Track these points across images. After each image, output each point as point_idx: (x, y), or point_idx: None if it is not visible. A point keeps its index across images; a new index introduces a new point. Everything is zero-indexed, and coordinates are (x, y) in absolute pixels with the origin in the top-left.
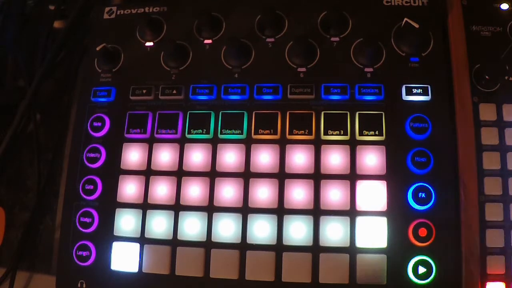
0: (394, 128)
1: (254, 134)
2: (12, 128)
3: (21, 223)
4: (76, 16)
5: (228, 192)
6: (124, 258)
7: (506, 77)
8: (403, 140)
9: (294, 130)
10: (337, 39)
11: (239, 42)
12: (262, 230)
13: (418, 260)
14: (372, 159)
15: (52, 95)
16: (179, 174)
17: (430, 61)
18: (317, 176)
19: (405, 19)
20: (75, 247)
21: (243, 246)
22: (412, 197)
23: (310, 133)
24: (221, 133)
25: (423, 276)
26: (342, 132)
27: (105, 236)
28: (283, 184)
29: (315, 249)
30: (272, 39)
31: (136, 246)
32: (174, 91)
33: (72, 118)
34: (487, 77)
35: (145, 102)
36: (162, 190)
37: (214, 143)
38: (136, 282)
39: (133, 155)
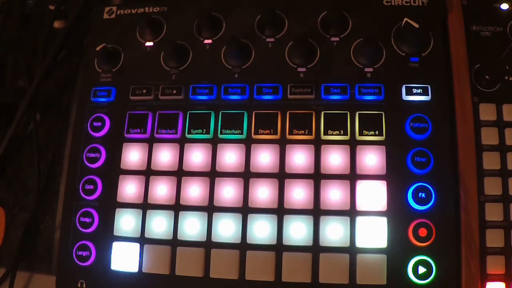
0: (394, 128)
1: (254, 134)
2: (12, 128)
3: (21, 223)
4: (76, 16)
5: (228, 192)
6: (124, 258)
7: (506, 77)
8: (403, 140)
9: (294, 130)
10: (337, 39)
11: (239, 42)
12: (262, 230)
13: (418, 260)
14: (372, 159)
15: (52, 95)
16: (179, 174)
17: (430, 61)
18: (317, 176)
19: (405, 19)
20: (75, 247)
21: (243, 246)
22: (412, 197)
23: (310, 133)
24: (221, 133)
25: (423, 276)
26: (342, 132)
27: (105, 236)
28: (283, 184)
29: (315, 249)
30: (272, 39)
31: (136, 246)
32: (174, 91)
33: (72, 118)
34: (487, 77)
35: (145, 102)
36: (162, 190)
37: (214, 143)
38: (136, 282)
39: (133, 155)
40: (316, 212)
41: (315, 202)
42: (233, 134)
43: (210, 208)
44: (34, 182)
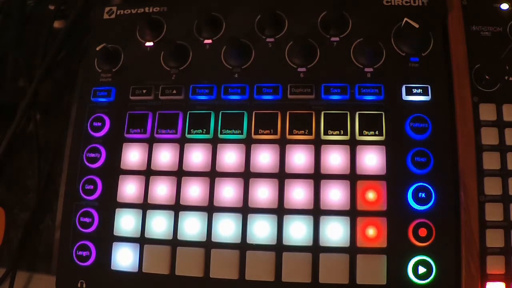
0: (394, 128)
1: (254, 134)
2: (12, 128)
3: (21, 223)
4: (76, 16)
5: (228, 192)
6: (124, 258)
7: (506, 77)
8: (403, 140)
9: (294, 130)
10: (337, 39)
11: (239, 42)
12: (262, 230)
13: (418, 260)
14: (372, 159)
15: (52, 95)
16: (179, 174)
17: (430, 61)
18: (317, 176)
19: (405, 19)
20: (75, 247)
21: (243, 246)
22: (412, 197)
23: (310, 133)
24: (221, 133)
25: (423, 276)
26: (342, 132)
27: (105, 236)
28: (283, 184)
29: (315, 249)
30: (272, 39)
31: (136, 246)
32: (174, 91)
33: (72, 118)
34: (487, 77)
35: (145, 102)
36: (162, 190)
37: (214, 143)
38: (136, 282)
39: (133, 155)
40: (316, 212)
41: (315, 202)
42: (233, 134)
43: (210, 208)
44: (34, 182)
